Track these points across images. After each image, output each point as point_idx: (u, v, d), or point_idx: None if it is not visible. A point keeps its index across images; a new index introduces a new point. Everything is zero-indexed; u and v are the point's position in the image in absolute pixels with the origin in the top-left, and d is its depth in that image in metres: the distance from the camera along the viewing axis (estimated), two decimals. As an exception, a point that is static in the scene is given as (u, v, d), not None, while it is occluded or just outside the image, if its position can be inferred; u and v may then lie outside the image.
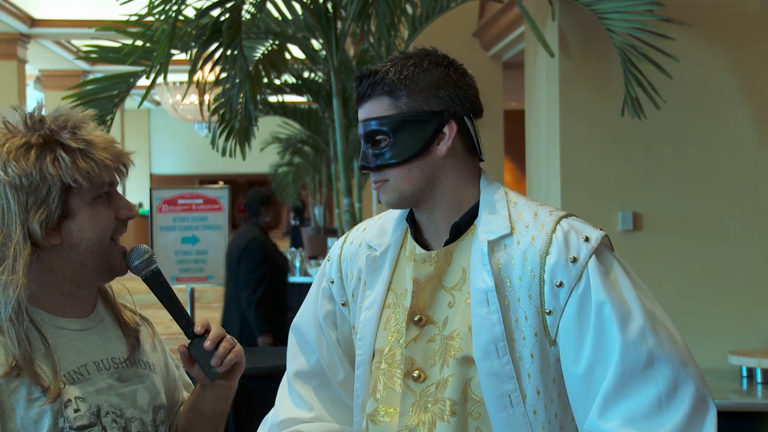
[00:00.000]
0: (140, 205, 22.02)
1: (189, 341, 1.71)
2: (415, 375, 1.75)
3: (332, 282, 1.91)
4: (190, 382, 1.93)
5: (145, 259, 1.68)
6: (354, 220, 5.70)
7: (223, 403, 1.80)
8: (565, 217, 1.74)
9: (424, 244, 1.80)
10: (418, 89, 1.72)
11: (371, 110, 1.75)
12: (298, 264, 8.98)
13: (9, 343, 1.56)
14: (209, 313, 11.67)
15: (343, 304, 1.91)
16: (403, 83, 1.72)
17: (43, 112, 1.66)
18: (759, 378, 3.95)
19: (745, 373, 4.05)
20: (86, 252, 1.62)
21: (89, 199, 1.61)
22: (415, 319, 1.76)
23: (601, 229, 1.73)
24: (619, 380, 1.62)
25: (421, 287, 1.76)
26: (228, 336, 1.74)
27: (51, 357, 1.58)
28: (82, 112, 1.70)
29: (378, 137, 1.74)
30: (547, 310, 1.67)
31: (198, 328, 1.70)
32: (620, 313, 1.63)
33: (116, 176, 1.66)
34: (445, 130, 1.73)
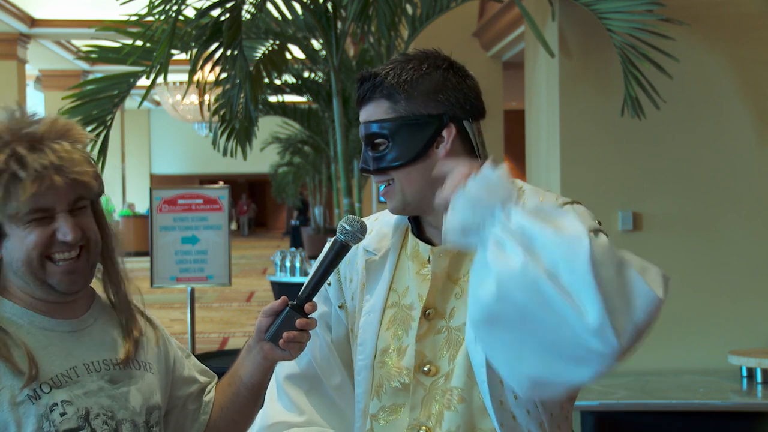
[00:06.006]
0: (130, 206, 21.95)
1: (293, 302, 1.71)
2: (426, 369, 1.75)
3: (329, 284, 1.90)
4: (206, 368, 1.92)
5: (350, 231, 1.71)
6: (354, 220, 5.70)
7: (261, 374, 1.79)
8: (571, 203, 1.76)
9: (428, 241, 1.81)
10: (416, 93, 1.72)
11: (371, 113, 1.75)
12: (298, 264, 8.97)
13: None
14: (210, 313, 11.68)
15: (340, 307, 1.90)
16: (402, 87, 1.72)
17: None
18: (759, 378, 3.96)
19: (745, 373, 4.05)
20: (19, 271, 1.63)
21: (21, 225, 1.61)
22: (426, 313, 1.77)
23: (599, 222, 1.74)
24: None
25: (438, 280, 1.77)
26: (310, 334, 1.73)
27: (22, 347, 1.60)
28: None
29: (377, 140, 1.74)
30: None
31: (308, 307, 1.70)
32: None
33: (57, 202, 1.62)
34: (444, 133, 1.73)
